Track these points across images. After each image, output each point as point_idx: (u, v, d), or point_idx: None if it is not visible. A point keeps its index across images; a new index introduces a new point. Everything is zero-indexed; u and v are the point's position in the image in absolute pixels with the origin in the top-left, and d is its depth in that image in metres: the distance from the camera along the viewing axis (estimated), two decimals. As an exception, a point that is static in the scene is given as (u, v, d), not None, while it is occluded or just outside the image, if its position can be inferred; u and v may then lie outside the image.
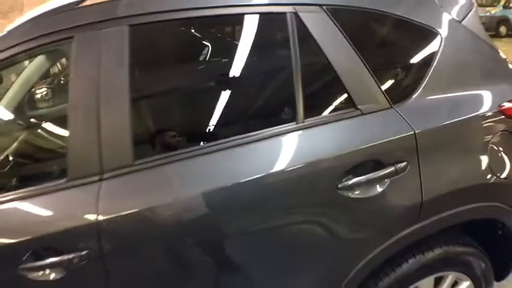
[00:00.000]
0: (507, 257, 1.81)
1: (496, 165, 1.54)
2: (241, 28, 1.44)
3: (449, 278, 1.67)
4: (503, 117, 1.56)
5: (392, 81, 1.53)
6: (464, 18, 1.65)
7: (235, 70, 1.48)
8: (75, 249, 1.20)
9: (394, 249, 1.43)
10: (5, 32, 1.38)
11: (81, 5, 1.32)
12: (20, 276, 1.21)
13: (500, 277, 1.87)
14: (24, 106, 1.85)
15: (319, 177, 1.31)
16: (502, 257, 1.80)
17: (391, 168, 1.36)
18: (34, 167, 1.61)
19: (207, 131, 1.43)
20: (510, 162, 1.59)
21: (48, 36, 1.28)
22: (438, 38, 1.56)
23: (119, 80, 1.25)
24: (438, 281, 1.69)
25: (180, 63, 1.59)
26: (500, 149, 1.57)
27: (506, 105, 1.57)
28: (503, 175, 1.56)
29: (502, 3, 15.33)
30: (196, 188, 1.25)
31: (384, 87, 1.45)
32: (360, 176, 1.33)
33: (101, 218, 1.20)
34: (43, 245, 1.22)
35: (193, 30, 1.53)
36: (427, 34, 1.56)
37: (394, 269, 1.53)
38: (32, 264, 1.21)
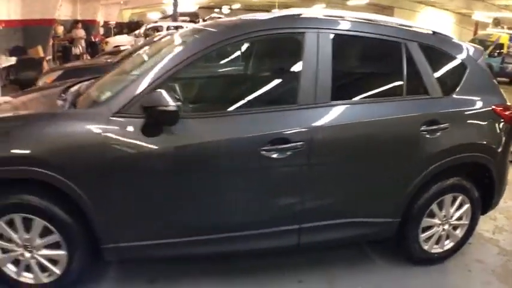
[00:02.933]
0: (489, 198, 3.16)
1: (487, 135, 2.95)
2: (381, 44, 2.80)
3: (460, 198, 3.01)
4: (493, 113, 2.98)
5: (444, 85, 2.89)
6: (478, 59, 3.08)
7: (374, 67, 2.88)
8: (297, 141, 2.40)
9: (440, 168, 2.78)
10: (270, 17, 2.63)
11: (304, 16, 2.64)
12: (261, 155, 2.38)
13: (484, 211, 3.23)
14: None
15: (413, 123, 2.69)
16: (486, 197, 3.15)
17: (443, 125, 2.75)
18: (282, 97, 2.74)
19: (360, 94, 2.74)
20: (492, 135, 2.98)
21: (295, 29, 2.58)
22: (466, 67, 2.97)
23: (326, 57, 2.53)
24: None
25: (352, 56, 2.87)
26: (490, 128, 2.98)
27: (494, 107, 2.99)
28: (490, 141, 2.96)
29: (488, 51, 17.23)
30: (353, 119, 2.57)
31: (441, 87, 2.84)
32: (431, 126, 2.71)
33: (313, 125, 2.46)
34: (281, 136, 2.39)
35: (358, 42, 2.80)
36: (461, 65, 2.97)
37: (435, 185, 2.86)
38: (270, 147, 2.37)
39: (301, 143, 2.41)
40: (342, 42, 2.64)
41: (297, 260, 2.98)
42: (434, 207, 2.94)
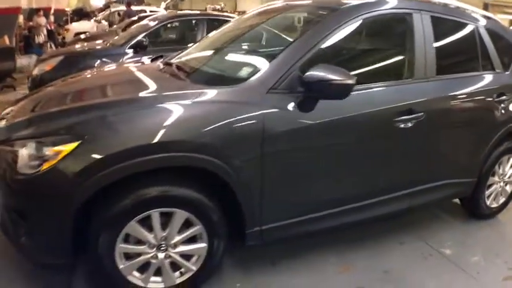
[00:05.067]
0: None
1: None
2: (462, 26, 3.18)
3: (512, 158, 3.53)
4: None
5: (504, 62, 3.35)
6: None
7: (459, 46, 3.26)
8: (419, 111, 2.66)
9: (505, 133, 3.25)
10: None
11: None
12: (394, 126, 2.59)
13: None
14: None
15: (491, 94, 3.13)
16: None
17: (506, 96, 3.21)
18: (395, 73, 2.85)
19: (453, 69, 3.09)
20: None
21: (404, 9, 2.81)
22: None
23: (429, 35, 2.84)
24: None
25: (444, 35, 3.07)
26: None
27: None
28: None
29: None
30: (454, 91, 2.94)
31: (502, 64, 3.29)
32: (500, 97, 3.16)
33: (428, 97, 2.74)
34: (408, 108, 2.63)
35: (447, 23, 3.12)
36: (510, 45, 3.45)
37: (499, 147, 3.32)
38: (400, 118, 2.59)
39: (421, 113, 2.70)
40: (436, 22, 2.93)
41: (389, 225, 3.30)
42: (496, 166, 3.40)
